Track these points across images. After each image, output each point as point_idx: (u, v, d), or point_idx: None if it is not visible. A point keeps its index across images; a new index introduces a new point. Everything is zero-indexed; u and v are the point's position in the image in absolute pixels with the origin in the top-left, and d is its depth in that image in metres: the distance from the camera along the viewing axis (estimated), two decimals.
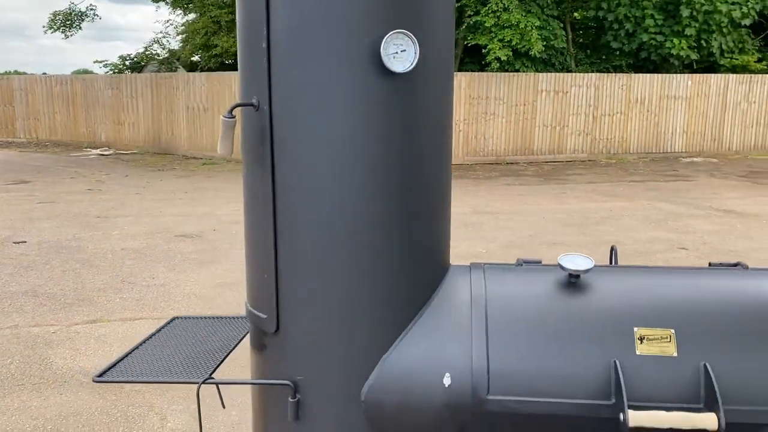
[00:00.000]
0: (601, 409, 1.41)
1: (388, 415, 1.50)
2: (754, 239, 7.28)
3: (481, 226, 7.75)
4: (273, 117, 1.44)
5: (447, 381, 1.47)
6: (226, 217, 8.35)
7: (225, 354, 1.73)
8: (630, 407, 1.36)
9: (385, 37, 1.35)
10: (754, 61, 16.51)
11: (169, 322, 2.01)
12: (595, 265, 1.55)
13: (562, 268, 1.55)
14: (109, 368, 1.65)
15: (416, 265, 1.53)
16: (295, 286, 1.50)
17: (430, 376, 1.48)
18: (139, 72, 18.85)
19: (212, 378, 1.60)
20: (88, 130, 17.62)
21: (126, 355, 1.73)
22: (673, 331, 1.45)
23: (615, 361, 1.43)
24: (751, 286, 1.54)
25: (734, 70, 16.58)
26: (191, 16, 17.06)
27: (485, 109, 14.75)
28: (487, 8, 14.10)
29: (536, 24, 14.26)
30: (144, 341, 1.85)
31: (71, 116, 17.83)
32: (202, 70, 16.29)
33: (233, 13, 15.36)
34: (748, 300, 1.50)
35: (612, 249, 1.82)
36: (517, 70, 15.11)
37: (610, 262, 1.78)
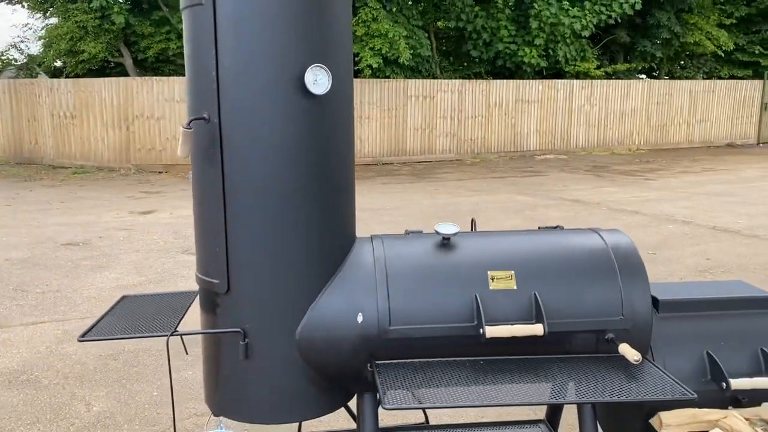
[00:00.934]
0: (468, 329, 2.01)
1: (316, 348, 2.02)
2: (594, 222, 8.45)
3: (367, 221, 8.36)
4: (222, 127, 1.91)
5: (360, 318, 2.01)
6: (109, 224, 8.35)
7: (181, 315, 2.16)
8: (487, 324, 1.97)
9: (308, 69, 1.87)
10: (594, 68, 18.51)
11: (119, 301, 2.39)
12: (459, 231, 2.16)
13: (437, 233, 2.15)
14: (88, 331, 2.04)
15: (332, 237, 2.07)
16: (241, 256, 1.98)
17: (347, 316, 2.01)
18: None
19: (177, 331, 2.03)
20: None
21: (96, 323, 2.11)
22: (513, 272, 2.08)
23: (475, 295, 2.03)
24: (563, 241, 2.22)
25: (577, 76, 18.50)
26: (53, 20, 16.34)
27: (360, 113, 15.45)
28: (357, 18, 14.81)
29: (403, 33, 15.17)
30: (103, 316, 2.23)
31: None
32: (67, 77, 15.66)
33: (101, 18, 14.96)
34: (562, 249, 2.17)
35: (472, 220, 2.46)
36: (388, 77, 15.96)
37: (471, 230, 2.40)
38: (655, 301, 2.27)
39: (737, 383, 2.06)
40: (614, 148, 18.95)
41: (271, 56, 1.87)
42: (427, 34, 17.33)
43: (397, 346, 2.03)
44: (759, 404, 2.07)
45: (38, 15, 16.97)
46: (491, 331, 1.96)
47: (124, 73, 16.39)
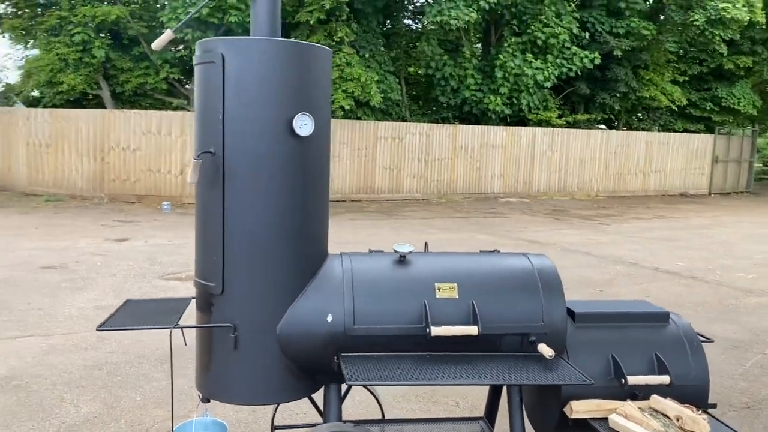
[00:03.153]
0: (418, 329, 2.48)
1: (293, 342, 2.47)
2: None
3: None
4: (225, 160, 2.38)
5: (329, 318, 2.47)
6: (85, 249, 8.64)
7: (180, 314, 2.59)
8: (432, 325, 2.44)
9: (296, 116, 2.37)
10: (555, 117, 19.48)
11: (124, 304, 2.80)
12: (413, 251, 2.65)
13: (395, 251, 2.64)
14: (104, 323, 2.44)
15: (309, 251, 2.54)
16: (234, 265, 2.44)
17: (319, 316, 2.47)
18: None
19: (178, 324, 2.45)
20: None
21: (109, 319, 2.52)
22: (456, 284, 2.57)
23: (425, 302, 2.51)
24: (498, 261, 2.72)
25: (540, 124, 19.43)
26: (34, 51, 16.68)
27: (332, 152, 15.97)
28: (332, 62, 15.48)
29: (375, 78, 15.88)
30: (113, 314, 2.63)
31: None
32: (45, 106, 15.94)
33: (82, 52, 15.34)
34: (496, 268, 2.67)
35: (425, 243, 2.95)
36: (359, 118, 16.60)
37: (425, 251, 2.89)
38: (572, 314, 2.78)
39: (633, 380, 2.56)
40: (574, 193, 19.81)
41: (267, 104, 2.36)
42: (397, 79, 18.11)
43: (359, 342, 2.49)
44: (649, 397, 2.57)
45: (19, 46, 17.33)
46: (435, 331, 2.44)
47: (101, 105, 16.72)
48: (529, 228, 12.74)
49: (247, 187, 2.39)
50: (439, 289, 2.56)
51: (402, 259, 2.66)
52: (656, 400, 2.50)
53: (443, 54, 18.09)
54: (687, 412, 2.37)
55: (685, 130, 22.62)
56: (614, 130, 21.55)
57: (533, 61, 17.90)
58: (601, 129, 22.17)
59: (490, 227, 12.61)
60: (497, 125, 18.74)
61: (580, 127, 20.49)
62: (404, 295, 2.54)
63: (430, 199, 17.48)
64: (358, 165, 16.43)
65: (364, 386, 2.42)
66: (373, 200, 16.56)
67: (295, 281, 2.50)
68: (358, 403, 3.96)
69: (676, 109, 21.76)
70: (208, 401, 2.60)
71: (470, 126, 18.16)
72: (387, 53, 17.98)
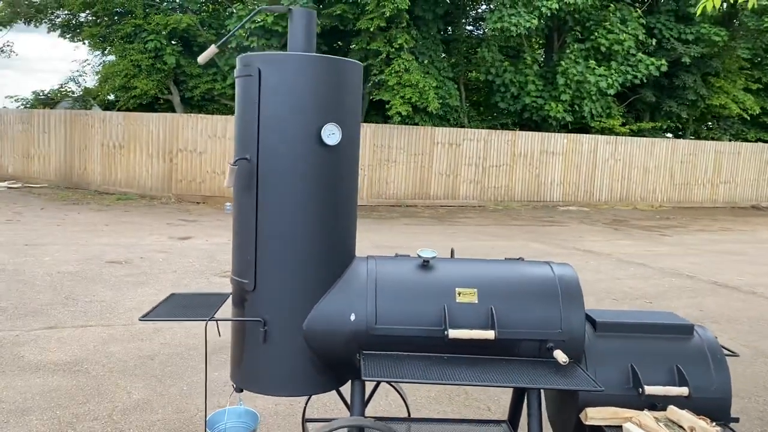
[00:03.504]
0: (437, 332, 2.59)
1: (318, 338, 2.62)
2: (601, 272, 8.91)
3: None
4: (259, 166, 2.56)
5: (353, 317, 2.61)
6: (150, 246, 9.10)
7: (217, 308, 2.78)
8: (450, 328, 2.54)
9: (324, 126, 2.52)
10: (619, 125, 19.06)
11: (169, 296, 3.01)
12: (437, 256, 2.76)
13: (419, 256, 2.75)
14: (146, 314, 2.66)
15: (336, 253, 2.69)
16: (266, 264, 2.61)
17: (343, 315, 2.61)
18: (52, 108, 19.01)
19: (214, 317, 2.64)
20: None
21: (152, 310, 2.74)
22: (476, 290, 2.66)
23: (445, 305, 2.61)
24: (521, 269, 2.79)
25: (603, 131, 19.05)
26: (110, 57, 17.64)
27: (387, 157, 16.21)
28: (390, 68, 15.69)
29: (433, 84, 15.99)
30: (157, 306, 2.85)
31: None
32: (119, 110, 16.81)
33: (154, 58, 16.14)
34: (518, 275, 2.75)
35: (452, 250, 3.05)
36: (416, 124, 16.75)
37: (451, 257, 2.99)
38: (594, 323, 2.82)
39: (651, 389, 2.59)
40: (637, 203, 19.32)
41: (298, 115, 2.53)
42: (456, 85, 18.15)
43: (380, 341, 2.62)
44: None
45: (97, 52, 18.37)
46: (453, 333, 2.54)
47: (171, 109, 17.50)
48: (585, 237, 12.55)
49: (279, 192, 2.56)
50: (459, 294, 2.66)
51: (425, 264, 2.77)
52: (673, 411, 2.52)
53: (504, 60, 18.02)
54: (701, 424, 2.38)
55: (759, 140, 21.70)
56: (681, 139, 20.89)
57: (596, 68, 17.59)
58: (668, 138, 21.53)
59: (545, 236, 12.49)
60: (558, 132, 18.50)
61: (645, 136, 19.97)
62: (425, 298, 2.65)
63: (487, 206, 17.42)
64: (414, 170, 16.56)
65: (383, 382, 2.55)
66: (429, 206, 16.65)
67: (322, 281, 2.65)
68: (392, 402, 4.08)
69: (749, 118, 20.91)
70: (242, 391, 2.79)
71: (530, 132, 18.00)
72: (446, 59, 18.06)
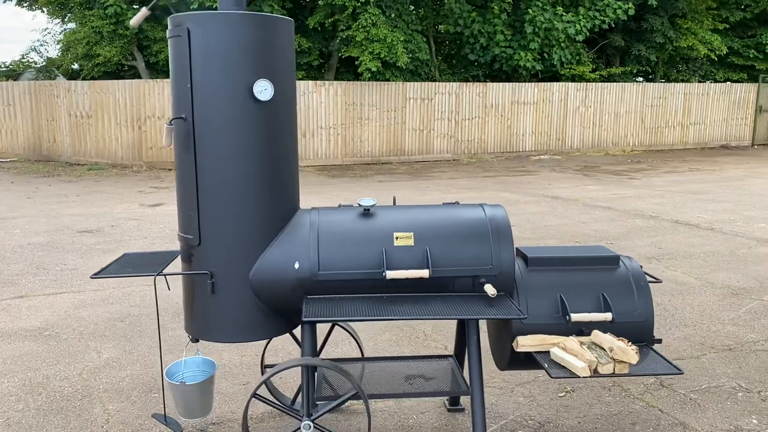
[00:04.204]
0: (376, 274, 2.74)
1: (265, 287, 2.76)
2: (566, 217, 9.13)
3: None
4: (194, 124, 2.65)
5: (297, 265, 2.75)
6: (120, 214, 9.15)
7: (168, 262, 2.91)
8: (387, 270, 2.69)
9: (255, 82, 2.61)
10: (589, 72, 19.13)
11: (121, 256, 3.13)
12: (376, 204, 2.89)
13: (360, 205, 2.88)
14: (98, 273, 2.78)
15: (277, 205, 2.81)
16: (208, 219, 2.72)
17: (287, 263, 2.75)
18: (15, 80, 18.64)
19: (162, 272, 2.77)
20: None
21: (103, 269, 2.86)
22: (413, 233, 2.80)
23: (383, 249, 2.76)
24: (455, 212, 2.94)
25: (573, 79, 19.12)
26: (71, 25, 17.25)
27: (360, 115, 16.20)
28: (357, 23, 15.55)
29: (401, 38, 15.89)
30: (109, 264, 2.97)
31: None
32: (84, 79, 16.54)
33: (115, 24, 15.83)
34: (452, 218, 2.89)
35: (393, 198, 3.19)
36: (388, 80, 16.69)
37: (393, 204, 3.12)
38: (526, 258, 2.99)
39: (576, 317, 2.78)
40: (608, 149, 19.54)
41: (229, 72, 2.61)
42: (425, 39, 18.04)
43: (324, 286, 2.77)
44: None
45: (57, 20, 17.94)
46: (391, 274, 2.70)
47: (137, 76, 17.25)
48: (554, 185, 12.76)
49: (215, 149, 2.66)
50: (397, 238, 2.81)
51: (366, 212, 2.91)
52: (596, 334, 2.71)
53: (471, 10, 17.90)
54: (618, 344, 2.58)
55: (727, 80, 21.91)
56: (650, 83, 21.02)
57: (564, 14, 17.55)
58: (638, 82, 21.66)
59: (515, 185, 12.68)
60: (528, 82, 18.54)
61: (615, 81, 20.08)
62: (365, 244, 2.79)
63: (461, 160, 17.55)
64: (388, 127, 16.58)
65: (332, 323, 2.70)
66: (403, 162, 16.74)
67: (265, 233, 2.78)
68: (354, 348, 4.27)
69: (716, 58, 21.06)
70: (197, 341, 2.94)
71: (500, 83, 18.02)
72: (414, 12, 17.89)
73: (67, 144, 15.73)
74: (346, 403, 3.46)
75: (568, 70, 18.91)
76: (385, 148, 16.69)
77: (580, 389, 3.72)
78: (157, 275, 2.75)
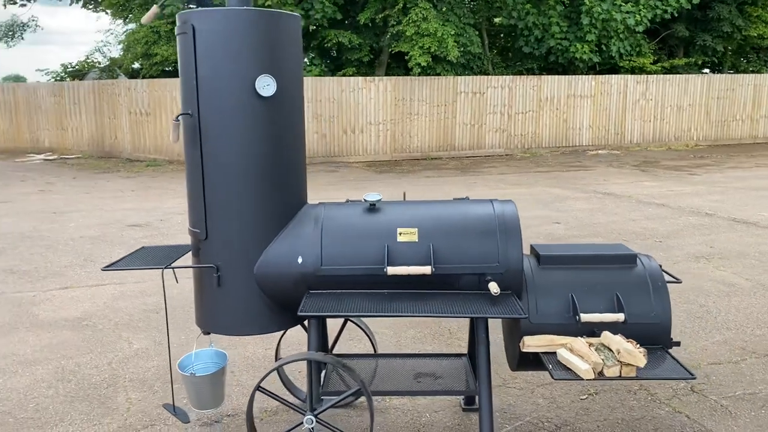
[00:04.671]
0: (378, 270, 2.71)
1: (269, 281, 2.77)
2: (616, 214, 8.84)
3: None
4: (200, 120, 2.68)
5: (300, 260, 2.74)
6: (171, 209, 9.43)
7: (179, 255, 2.96)
8: (388, 266, 2.66)
9: (258, 78, 2.62)
10: (650, 63, 18.45)
11: (138, 249, 3.21)
12: (382, 199, 2.86)
13: (365, 200, 2.86)
14: (109, 265, 2.86)
15: (282, 200, 2.81)
16: (214, 213, 2.76)
17: (291, 258, 2.75)
18: (81, 79, 19.48)
19: (170, 265, 2.82)
20: (31, 136, 18.20)
21: (116, 262, 2.93)
22: (416, 229, 2.76)
23: (386, 245, 2.72)
24: (463, 208, 2.87)
25: (633, 71, 18.49)
26: (131, 26, 17.89)
27: (410, 110, 16.14)
28: (408, 18, 15.49)
29: (452, 32, 15.73)
30: (124, 257, 3.04)
31: (14, 123, 18.37)
32: (143, 78, 17.12)
33: (172, 23, 16.28)
34: (459, 214, 2.83)
35: (404, 193, 3.14)
36: (438, 74, 16.56)
37: (403, 200, 3.08)
38: (539, 256, 2.90)
39: (586, 317, 2.67)
40: (671, 143, 18.82)
41: (231, 68, 2.63)
42: (477, 32, 17.80)
43: (327, 281, 2.76)
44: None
45: (119, 21, 18.62)
46: (392, 270, 2.66)
47: None
48: (609, 180, 12.37)
49: (220, 144, 2.69)
50: (400, 234, 2.77)
51: (372, 207, 2.88)
52: (605, 335, 2.60)
53: (526, 2, 17.54)
54: (626, 346, 2.46)
55: None
56: (716, 74, 20.10)
57: (623, 4, 16.98)
58: (704, 74, 20.74)
59: (567, 181, 12.37)
60: (585, 74, 18.04)
61: (678, 73, 19.29)
62: (368, 240, 2.76)
63: (514, 155, 17.25)
64: (438, 122, 16.46)
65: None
66: (453, 157, 16.59)
67: (270, 227, 2.79)
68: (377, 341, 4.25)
69: None
70: (208, 333, 2.98)
71: (556, 76, 17.60)
72: (466, 5, 17.68)
73: (128, 141, 16.32)
74: (359, 399, 3.45)
75: (627, 62, 18.30)
76: (434, 144, 16.59)
77: (604, 392, 3.58)
78: (165, 268, 2.81)
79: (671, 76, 18.62)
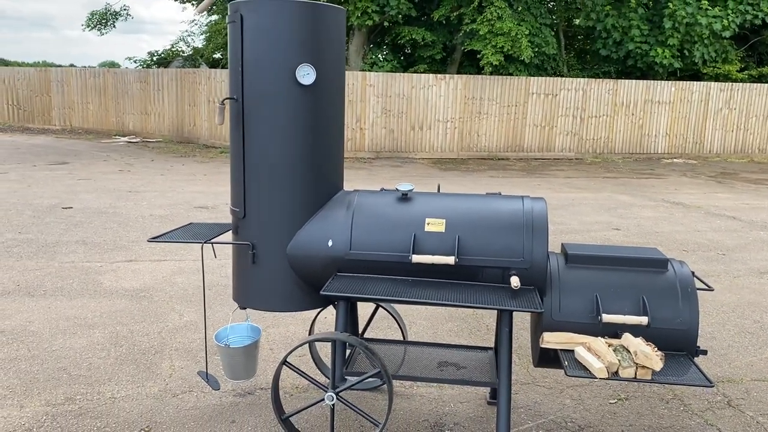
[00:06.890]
0: (404, 257, 2.79)
1: (300, 261, 2.90)
2: (682, 225, 8.55)
3: None
4: (243, 105, 2.84)
5: (330, 243, 2.86)
6: None
7: (221, 232, 3.14)
8: (414, 254, 2.73)
9: (298, 67, 2.75)
10: (736, 71, 17.61)
11: (187, 224, 3.41)
12: (414, 189, 2.94)
13: (398, 190, 2.95)
14: (155, 237, 3.06)
15: (318, 185, 2.94)
16: (253, 194, 2.91)
17: (322, 241, 2.87)
18: (165, 67, 20.40)
19: (210, 241, 3.00)
20: (117, 119, 19.23)
21: (163, 234, 3.13)
22: (444, 220, 2.83)
23: (414, 234, 2.81)
24: (493, 203, 2.91)
25: (717, 78, 17.69)
26: (214, 17, 18.58)
27: (479, 109, 16.06)
28: (482, 17, 15.41)
29: (526, 32, 15.53)
30: (172, 230, 3.24)
31: (102, 106, 19.46)
32: (223, 67, 17.75)
33: None
34: (489, 208, 2.88)
35: (438, 185, 3.21)
36: (511, 74, 16.38)
37: (438, 191, 3.15)
38: (567, 254, 2.91)
39: (608, 318, 2.67)
40: (754, 155, 17.92)
41: (275, 57, 2.77)
42: (554, 33, 17.49)
43: (355, 265, 2.86)
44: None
45: (203, 12, 19.39)
46: (416, 258, 2.74)
47: None
48: (681, 190, 11.94)
49: (261, 128, 2.84)
50: (428, 224, 2.84)
51: (403, 197, 2.96)
52: (626, 337, 2.59)
53: (605, 4, 17.09)
54: (643, 348, 2.45)
55: None
56: None
57: (710, 8, 16.28)
58: None
59: (636, 188, 12.02)
60: (665, 80, 17.41)
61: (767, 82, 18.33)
62: (397, 228, 2.85)
63: (584, 159, 16.87)
64: (507, 122, 16.30)
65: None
66: (521, 158, 16.39)
67: (304, 210, 2.92)
68: (415, 333, 4.33)
69: None
70: (245, 308, 3.15)
71: (633, 81, 17.08)
72: (543, 5, 17.39)
73: (205, 128, 16.98)
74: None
75: (711, 68, 17.54)
76: (502, 144, 16.43)
77: (635, 398, 3.54)
78: (204, 243, 2.98)
79: (759, 85, 17.71)
